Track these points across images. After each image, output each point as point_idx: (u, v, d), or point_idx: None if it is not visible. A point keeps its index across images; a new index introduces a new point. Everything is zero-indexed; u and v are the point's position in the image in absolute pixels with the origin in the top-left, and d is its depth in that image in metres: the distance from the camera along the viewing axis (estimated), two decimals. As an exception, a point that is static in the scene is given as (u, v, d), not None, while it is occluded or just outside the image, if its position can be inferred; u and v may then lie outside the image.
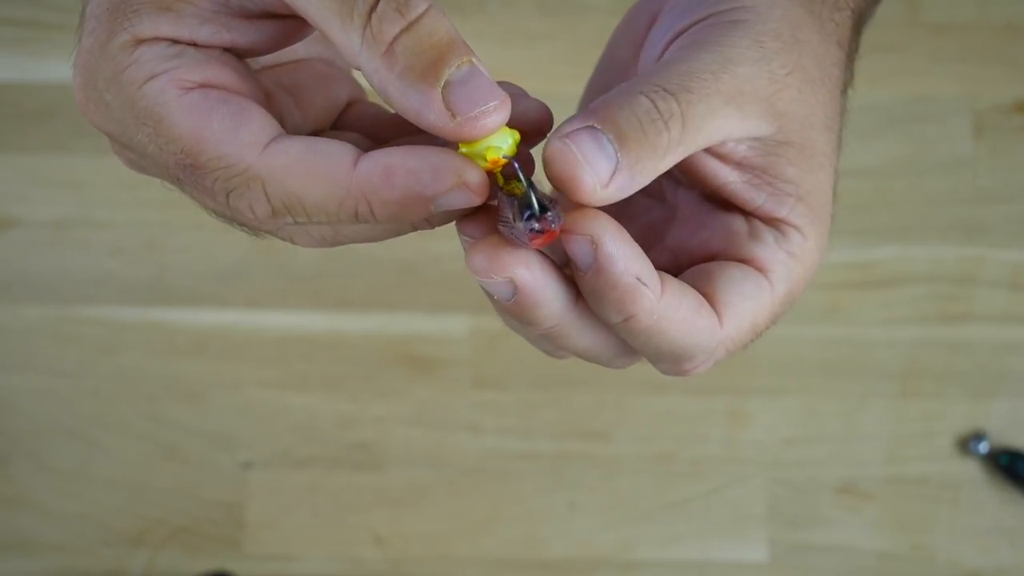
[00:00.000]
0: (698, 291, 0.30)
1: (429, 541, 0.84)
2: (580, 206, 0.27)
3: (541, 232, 0.27)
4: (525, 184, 0.27)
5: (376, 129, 0.34)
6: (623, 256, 0.27)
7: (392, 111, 0.33)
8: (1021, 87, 0.89)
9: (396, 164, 0.27)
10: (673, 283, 0.29)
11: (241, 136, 0.28)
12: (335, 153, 0.28)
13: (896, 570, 0.84)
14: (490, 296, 0.29)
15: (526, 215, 0.27)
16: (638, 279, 0.28)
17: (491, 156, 0.27)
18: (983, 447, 0.84)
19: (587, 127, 0.27)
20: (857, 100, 0.86)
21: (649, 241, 0.34)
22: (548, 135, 0.28)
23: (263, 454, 0.85)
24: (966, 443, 0.85)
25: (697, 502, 0.85)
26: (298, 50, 0.34)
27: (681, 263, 0.33)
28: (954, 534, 0.84)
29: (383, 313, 0.87)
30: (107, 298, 0.87)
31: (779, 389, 0.86)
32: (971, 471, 0.85)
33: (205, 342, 0.86)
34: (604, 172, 0.27)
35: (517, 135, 0.28)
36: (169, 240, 0.88)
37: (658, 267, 0.31)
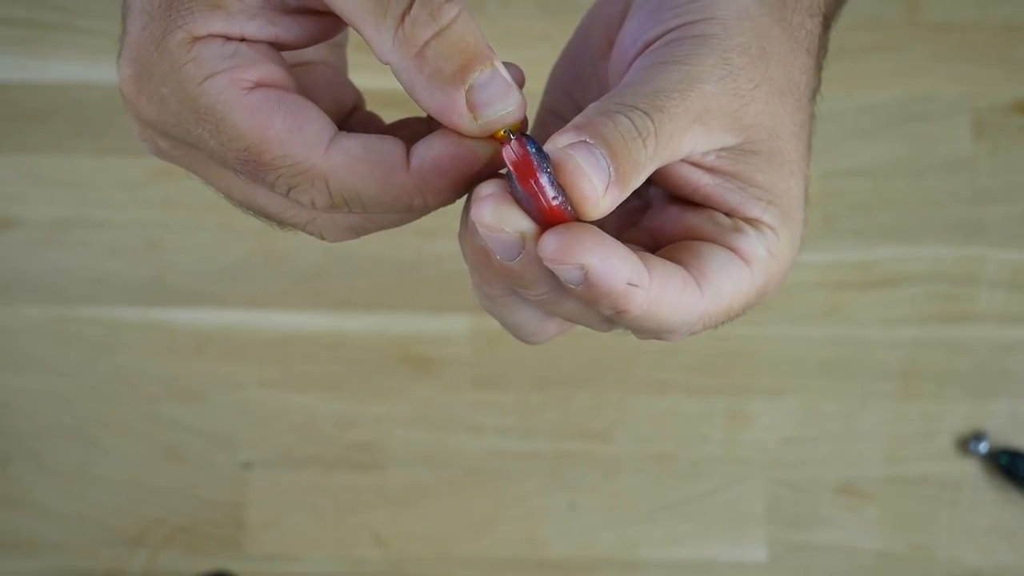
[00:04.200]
0: (684, 263, 0.31)
1: (429, 541, 0.84)
2: (558, 225, 0.28)
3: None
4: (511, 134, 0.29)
5: None
6: (612, 269, 0.28)
7: (388, 122, 0.34)
8: (1021, 87, 0.89)
9: (441, 154, 0.30)
10: (659, 268, 0.30)
11: (304, 136, 0.29)
12: (389, 151, 0.30)
13: (896, 570, 0.84)
14: (484, 266, 0.30)
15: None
16: (629, 283, 0.28)
17: (499, 134, 0.30)
18: (983, 447, 0.84)
19: (582, 141, 0.28)
20: (857, 100, 0.86)
21: (624, 225, 0.35)
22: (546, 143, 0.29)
23: (263, 454, 0.85)
24: (966, 443, 0.85)
25: (697, 502, 0.85)
26: (307, 52, 0.36)
27: (659, 243, 0.33)
28: (954, 534, 0.84)
29: (383, 313, 0.87)
30: (107, 298, 0.87)
31: (779, 389, 0.86)
32: (971, 471, 0.85)
33: (205, 342, 0.87)
34: (603, 184, 0.28)
35: None
36: (169, 240, 0.88)
37: (636, 243, 0.32)
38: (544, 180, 0.28)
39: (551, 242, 0.28)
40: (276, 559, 0.84)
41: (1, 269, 0.88)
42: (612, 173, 0.28)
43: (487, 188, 0.29)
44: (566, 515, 0.85)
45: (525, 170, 0.28)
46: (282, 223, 0.33)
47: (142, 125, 0.32)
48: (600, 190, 0.28)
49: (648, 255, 0.30)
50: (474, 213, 0.28)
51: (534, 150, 0.28)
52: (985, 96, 0.89)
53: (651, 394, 0.86)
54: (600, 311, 0.29)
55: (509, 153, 0.28)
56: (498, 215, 0.28)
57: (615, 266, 0.28)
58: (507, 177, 0.29)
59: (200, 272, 0.87)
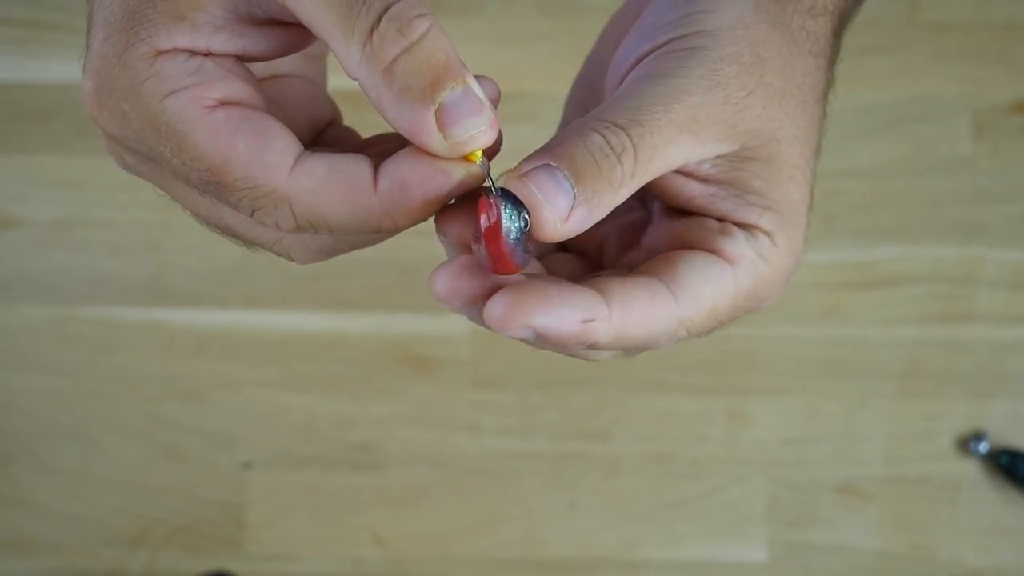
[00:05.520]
0: (658, 275, 0.31)
1: (429, 541, 0.84)
2: (500, 289, 0.28)
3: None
4: (493, 187, 0.28)
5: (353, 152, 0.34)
6: (559, 319, 0.28)
7: (365, 137, 0.33)
8: (1021, 87, 0.89)
9: (409, 177, 0.28)
10: (617, 292, 0.29)
11: (266, 158, 0.28)
12: (355, 173, 0.29)
13: (896, 570, 0.84)
14: None
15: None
16: (584, 321, 0.28)
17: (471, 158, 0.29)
18: (983, 447, 0.84)
19: (544, 165, 0.28)
20: (857, 100, 0.87)
21: (628, 241, 0.35)
22: (506, 172, 0.29)
23: (263, 454, 0.85)
24: (966, 443, 0.85)
25: (697, 502, 0.85)
26: (282, 65, 0.35)
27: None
28: (954, 534, 0.84)
29: (383, 313, 0.87)
30: (107, 298, 0.87)
31: (779, 389, 0.86)
32: (971, 471, 0.85)
33: (205, 342, 0.86)
34: (563, 208, 0.28)
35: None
36: (169, 240, 0.88)
37: (635, 263, 0.32)
38: (508, 245, 0.27)
39: (495, 311, 0.28)
40: (276, 559, 0.84)
41: (1, 269, 0.88)
42: (576, 194, 0.28)
43: (449, 226, 0.29)
44: (566, 515, 0.85)
45: (493, 237, 0.27)
46: (249, 243, 0.33)
47: (108, 139, 0.31)
48: (558, 215, 0.28)
49: (607, 280, 0.30)
50: (429, 281, 0.28)
51: (508, 206, 0.27)
52: (985, 96, 0.89)
53: (651, 394, 0.85)
54: (571, 351, 0.30)
55: (485, 221, 0.28)
56: (449, 293, 0.28)
57: (562, 316, 0.28)
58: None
59: (200, 272, 0.87)
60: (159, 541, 0.85)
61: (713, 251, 0.32)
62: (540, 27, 0.90)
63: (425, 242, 0.88)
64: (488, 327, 0.28)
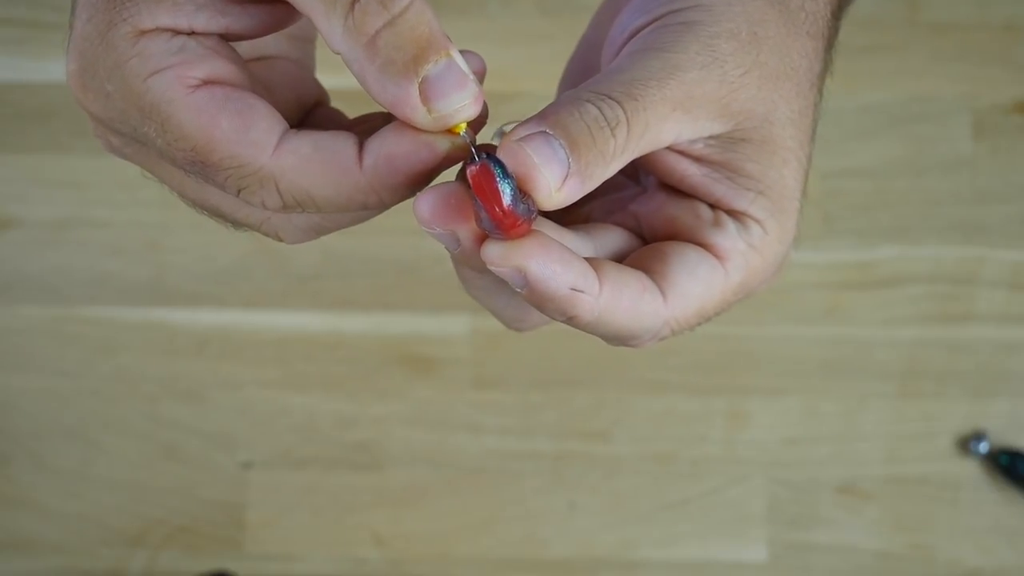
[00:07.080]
0: (650, 268, 0.31)
1: (429, 541, 0.84)
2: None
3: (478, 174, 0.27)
4: (472, 148, 0.28)
5: None
6: (552, 275, 0.28)
7: (352, 117, 0.33)
8: (1021, 87, 0.89)
9: (395, 151, 0.28)
10: (612, 275, 0.29)
11: (251, 136, 0.28)
12: (340, 150, 0.29)
13: (896, 570, 0.84)
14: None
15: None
16: (573, 288, 0.28)
17: (456, 128, 0.28)
18: (983, 447, 0.84)
19: (540, 132, 0.28)
20: (857, 100, 0.87)
21: (614, 209, 0.35)
22: (501, 139, 0.28)
23: (263, 454, 0.85)
24: (966, 443, 0.85)
25: (697, 502, 0.85)
26: (269, 46, 0.35)
27: (643, 229, 0.33)
28: (954, 534, 0.84)
29: (383, 313, 0.87)
30: (107, 298, 0.87)
31: (779, 389, 0.86)
32: (971, 471, 0.85)
33: (205, 342, 0.86)
34: (557, 176, 0.28)
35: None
36: (169, 240, 0.88)
37: (623, 226, 0.32)
38: (510, 205, 0.27)
39: (493, 245, 0.28)
40: (276, 559, 0.84)
41: (1, 269, 0.88)
42: (571, 164, 0.28)
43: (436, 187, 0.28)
44: (566, 515, 0.85)
45: (494, 200, 0.27)
46: (236, 224, 0.32)
47: (93, 121, 0.31)
48: (553, 182, 0.27)
49: (604, 262, 0.30)
50: (414, 205, 0.28)
51: (498, 168, 0.27)
52: (985, 96, 0.89)
53: (650, 394, 0.86)
54: (551, 317, 0.29)
55: (481, 188, 0.27)
56: (433, 217, 0.28)
57: (556, 272, 0.28)
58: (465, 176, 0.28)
59: (199, 272, 0.87)
60: (159, 541, 0.85)
61: (705, 245, 0.31)
62: (540, 27, 0.90)
63: (424, 241, 0.89)
64: (486, 261, 0.28)
